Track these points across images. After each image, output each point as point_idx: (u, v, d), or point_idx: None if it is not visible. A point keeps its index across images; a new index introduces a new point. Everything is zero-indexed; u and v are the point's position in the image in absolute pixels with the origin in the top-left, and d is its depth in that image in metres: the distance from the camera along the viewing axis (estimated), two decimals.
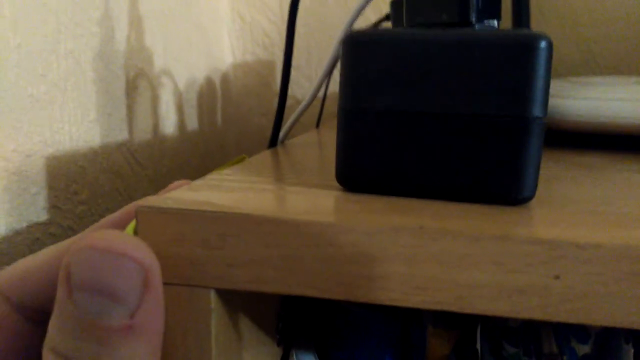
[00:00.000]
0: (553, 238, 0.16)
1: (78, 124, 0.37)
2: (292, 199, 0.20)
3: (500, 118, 0.20)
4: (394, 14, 0.41)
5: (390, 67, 0.21)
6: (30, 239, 0.33)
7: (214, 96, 0.61)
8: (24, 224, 0.33)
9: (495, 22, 0.28)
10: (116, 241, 0.15)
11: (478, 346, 0.28)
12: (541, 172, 0.20)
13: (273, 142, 0.34)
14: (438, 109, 0.20)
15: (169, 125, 0.50)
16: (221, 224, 0.18)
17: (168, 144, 0.50)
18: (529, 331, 0.30)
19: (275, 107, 0.34)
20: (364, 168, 0.21)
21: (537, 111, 0.20)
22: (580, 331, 0.29)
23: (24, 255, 0.28)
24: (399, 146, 0.21)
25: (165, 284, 0.16)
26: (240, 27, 0.64)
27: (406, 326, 0.29)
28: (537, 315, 0.17)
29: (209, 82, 0.59)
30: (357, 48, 0.21)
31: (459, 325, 0.30)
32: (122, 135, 0.43)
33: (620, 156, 0.34)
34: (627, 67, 0.59)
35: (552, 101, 0.39)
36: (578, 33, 0.60)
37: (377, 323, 0.28)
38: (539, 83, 0.19)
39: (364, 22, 0.57)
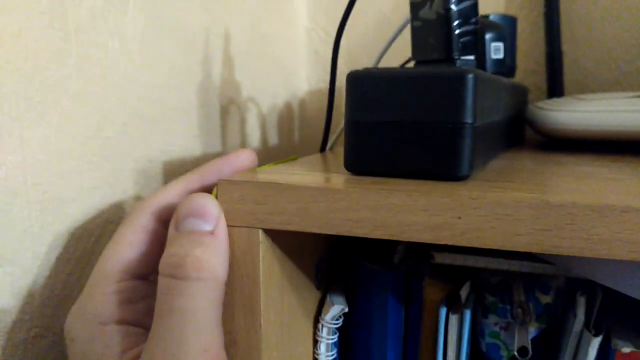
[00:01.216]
0: (456, 194, 0.27)
1: (185, 138, 0.51)
2: (310, 177, 0.32)
3: (446, 123, 0.30)
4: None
5: (377, 92, 0.32)
6: None
7: (292, 117, 0.74)
8: None
9: (473, 57, 0.38)
10: (202, 197, 0.29)
11: (461, 292, 0.38)
12: (517, 164, 0.31)
13: (322, 148, 0.46)
14: (409, 118, 0.31)
15: (254, 140, 0.64)
16: (264, 188, 0.30)
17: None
18: (504, 285, 0.39)
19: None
20: (361, 159, 0.32)
21: (468, 118, 0.30)
22: (543, 284, 0.39)
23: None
24: (384, 143, 0.32)
25: (232, 226, 0.29)
26: (314, 60, 0.77)
27: (407, 277, 0.40)
28: (449, 241, 0.27)
29: (288, 106, 0.72)
30: (356, 81, 0.32)
31: (450, 280, 0.41)
32: (217, 147, 0.56)
33: (599, 156, 0.43)
34: None
35: (553, 114, 0.48)
36: (608, 55, 0.67)
37: (385, 275, 0.39)
38: (468, 100, 0.30)
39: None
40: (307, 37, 0.78)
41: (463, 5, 0.37)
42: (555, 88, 0.65)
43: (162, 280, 0.28)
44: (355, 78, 0.32)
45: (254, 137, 0.64)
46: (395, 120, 0.32)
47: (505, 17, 0.54)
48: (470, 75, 0.30)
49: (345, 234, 0.29)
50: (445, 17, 0.37)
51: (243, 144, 0.61)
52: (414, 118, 0.31)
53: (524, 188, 0.29)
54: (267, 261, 0.32)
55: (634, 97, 0.48)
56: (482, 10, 0.68)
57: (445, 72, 0.30)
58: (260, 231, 0.30)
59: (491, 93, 0.36)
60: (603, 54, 0.68)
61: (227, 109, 0.58)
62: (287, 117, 0.72)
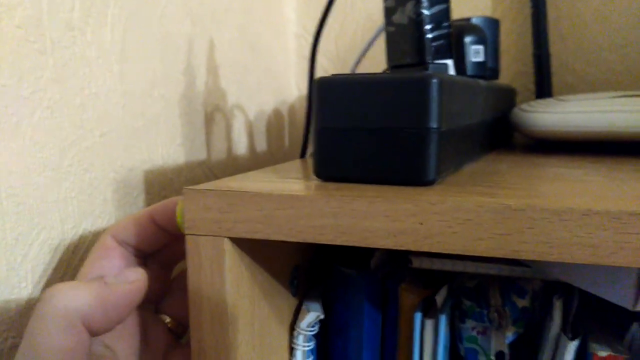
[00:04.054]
0: (417, 199, 0.27)
1: (168, 147, 0.51)
2: (277, 185, 0.32)
3: (411, 129, 0.30)
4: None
5: (345, 99, 0.32)
6: None
7: (281, 123, 0.74)
8: None
9: (447, 61, 0.38)
10: None
11: (437, 297, 0.38)
12: (492, 167, 0.31)
13: (302, 155, 0.46)
14: (376, 124, 0.31)
15: (241, 147, 0.64)
16: (229, 197, 0.30)
17: (240, 161, 0.63)
18: (480, 289, 0.39)
19: None
20: (330, 165, 0.32)
21: (433, 124, 0.30)
22: (519, 288, 0.39)
23: None
24: (352, 150, 0.32)
25: (198, 235, 0.29)
26: (304, 66, 0.77)
27: (384, 283, 0.40)
28: (411, 247, 0.27)
29: (277, 112, 0.72)
30: (324, 87, 0.32)
31: (429, 284, 0.40)
32: (202, 155, 0.57)
33: (581, 158, 0.43)
34: None
35: (534, 115, 0.48)
36: (597, 56, 0.67)
37: (361, 280, 0.39)
38: (433, 106, 0.30)
39: None
40: (297, 44, 0.78)
41: (435, 9, 0.37)
42: (543, 89, 0.65)
43: None
44: (323, 84, 0.32)
45: (241, 144, 0.64)
46: (363, 126, 0.31)
47: (487, 20, 0.53)
48: (434, 80, 0.30)
49: (311, 241, 0.29)
50: (417, 21, 0.37)
51: (229, 151, 0.61)
52: (381, 124, 0.31)
53: (489, 192, 0.28)
54: (235, 270, 0.32)
55: (615, 97, 0.48)
56: (470, 12, 0.68)
57: (409, 78, 0.30)
58: (226, 240, 0.30)
59: (462, 97, 0.36)
60: (592, 54, 0.67)
61: (212, 116, 0.58)
62: (275, 123, 0.72)
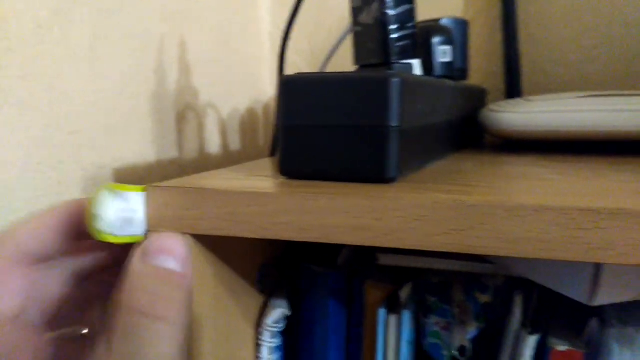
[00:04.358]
0: (376, 196, 0.27)
1: (139, 145, 0.51)
2: (241, 182, 0.32)
3: (372, 127, 0.31)
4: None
5: (308, 97, 0.32)
6: None
7: (256, 122, 0.74)
8: None
9: (413, 61, 0.39)
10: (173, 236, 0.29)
11: (401, 293, 0.39)
12: (456, 166, 0.31)
13: (272, 153, 0.47)
14: (339, 122, 0.32)
15: (214, 146, 0.64)
16: (191, 194, 0.30)
17: (213, 159, 0.64)
18: (444, 285, 0.40)
19: None
20: (294, 163, 0.33)
21: (393, 122, 0.31)
22: (481, 284, 0.39)
23: None
24: (316, 147, 0.32)
25: (161, 232, 0.29)
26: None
27: (350, 280, 0.40)
28: (370, 242, 0.28)
29: (251, 111, 0.73)
30: (288, 85, 0.33)
31: (395, 281, 0.41)
32: (174, 153, 0.57)
33: (546, 157, 0.44)
34: (615, 84, 0.67)
35: (500, 115, 0.49)
36: (566, 56, 0.68)
37: (326, 277, 0.40)
38: (394, 104, 0.30)
39: None
40: (271, 43, 0.78)
41: (400, 10, 0.37)
42: (513, 90, 0.66)
43: (129, 317, 0.26)
44: (287, 83, 0.33)
45: (214, 142, 0.64)
46: (326, 124, 0.32)
47: (456, 21, 0.54)
48: (395, 80, 0.30)
49: (274, 237, 0.29)
50: (382, 21, 0.37)
51: (202, 149, 0.62)
52: (343, 122, 0.32)
53: (447, 189, 0.29)
54: (198, 267, 0.32)
55: (581, 97, 0.49)
56: (441, 13, 0.69)
57: (370, 77, 0.31)
58: (189, 237, 0.31)
59: (426, 96, 0.36)
60: (562, 55, 0.68)
61: (184, 115, 0.58)
62: (250, 121, 0.73)
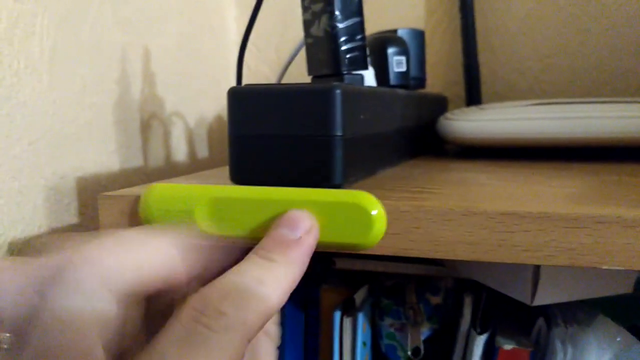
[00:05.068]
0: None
1: (100, 154, 0.52)
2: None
3: (317, 136, 0.32)
4: None
5: (255, 107, 0.33)
6: (65, 235, 0.48)
7: (224, 130, 0.75)
8: (60, 225, 0.47)
9: (363, 71, 0.40)
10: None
11: (356, 296, 0.40)
12: (405, 172, 0.33)
13: None
14: (285, 131, 0.33)
15: (180, 154, 0.65)
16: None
17: (180, 168, 0.64)
18: (397, 288, 0.41)
19: None
20: (243, 170, 0.34)
21: (337, 131, 0.32)
22: (433, 286, 0.41)
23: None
24: (264, 155, 0.33)
25: None
26: (246, 74, 0.79)
27: (307, 284, 0.42)
28: None
29: (219, 119, 0.74)
30: (235, 96, 0.34)
31: (350, 285, 0.42)
32: (138, 162, 0.57)
33: (495, 163, 0.45)
34: (573, 91, 0.69)
35: (453, 123, 0.50)
36: (524, 65, 0.70)
37: None
38: (337, 114, 0.32)
39: None
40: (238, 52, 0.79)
41: (348, 23, 0.39)
42: (473, 98, 0.68)
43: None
44: (235, 94, 0.34)
45: (180, 150, 0.65)
46: (273, 133, 0.33)
47: (412, 32, 0.56)
48: (337, 91, 0.32)
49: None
50: (332, 34, 0.39)
51: (167, 158, 0.62)
52: (289, 131, 0.33)
53: (387, 195, 0.30)
54: None
55: (531, 105, 0.51)
56: (402, 24, 0.71)
57: (314, 88, 0.32)
58: None
59: (373, 105, 0.38)
60: (519, 63, 0.70)
61: (149, 124, 0.59)
62: (218, 130, 0.73)
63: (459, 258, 0.27)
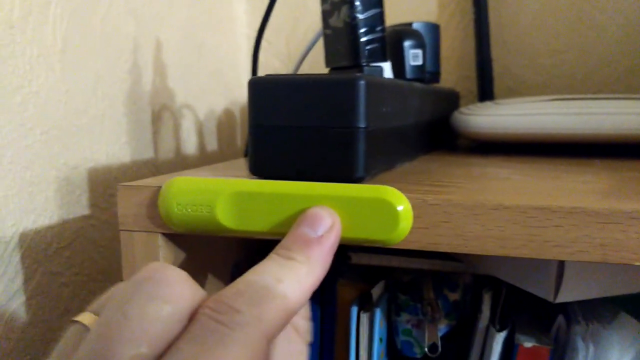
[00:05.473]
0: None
1: (112, 145, 0.51)
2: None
3: (340, 128, 0.32)
4: None
5: (277, 98, 0.33)
6: (75, 227, 0.47)
7: (233, 123, 0.75)
8: (71, 216, 0.47)
9: (382, 63, 0.40)
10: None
11: (373, 291, 0.39)
12: (424, 166, 0.32)
13: (246, 153, 0.47)
14: (307, 122, 0.32)
15: (189, 147, 0.64)
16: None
17: (189, 160, 0.64)
18: (415, 283, 0.41)
19: None
20: (264, 162, 0.33)
21: (360, 123, 0.31)
22: (451, 282, 0.40)
23: (71, 240, 0.42)
24: (285, 147, 0.33)
25: (131, 231, 0.29)
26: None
27: (323, 279, 0.41)
28: None
29: (228, 112, 0.73)
30: (256, 87, 0.33)
31: (367, 280, 0.42)
32: (149, 154, 0.57)
33: (514, 158, 0.45)
34: (585, 87, 0.69)
35: (469, 118, 0.50)
36: (536, 61, 0.70)
37: None
38: (360, 106, 0.31)
39: None
40: (248, 45, 0.79)
41: (369, 14, 0.38)
42: (485, 93, 0.67)
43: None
44: (256, 84, 0.33)
45: (190, 142, 0.64)
46: (295, 124, 0.32)
47: (427, 25, 0.55)
48: (362, 82, 0.31)
49: (242, 236, 0.30)
50: (352, 25, 0.38)
51: (178, 150, 0.62)
52: (312, 122, 0.32)
53: (411, 189, 0.30)
54: None
55: (548, 100, 0.50)
56: (415, 17, 0.70)
57: (338, 79, 0.31)
58: (160, 235, 0.31)
59: (393, 98, 0.37)
60: (531, 59, 0.70)
61: (160, 115, 0.58)
62: (227, 122, 0.73)
63: (489, 253, 0.27)
